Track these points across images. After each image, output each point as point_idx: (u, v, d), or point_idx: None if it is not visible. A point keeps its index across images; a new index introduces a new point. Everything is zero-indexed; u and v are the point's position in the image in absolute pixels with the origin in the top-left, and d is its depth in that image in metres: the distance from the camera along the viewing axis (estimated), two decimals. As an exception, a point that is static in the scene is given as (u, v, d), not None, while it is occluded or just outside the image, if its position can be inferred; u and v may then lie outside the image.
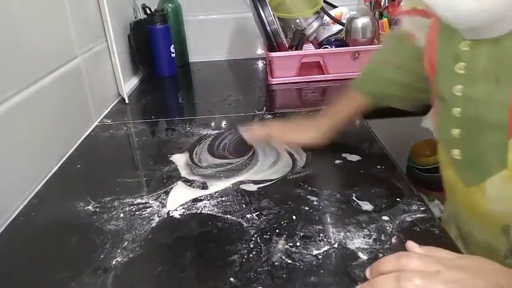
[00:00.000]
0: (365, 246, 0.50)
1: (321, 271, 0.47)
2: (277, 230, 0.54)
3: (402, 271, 0.38)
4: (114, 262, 0.50)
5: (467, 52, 0.49)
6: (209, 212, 0.59)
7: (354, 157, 0.71)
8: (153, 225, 0.57)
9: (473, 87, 0.49)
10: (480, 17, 0.43)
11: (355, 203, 0.59)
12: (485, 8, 0.41)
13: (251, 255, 0.50)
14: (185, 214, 0.59)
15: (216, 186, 0.65)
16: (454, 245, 0.51)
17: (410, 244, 0.44)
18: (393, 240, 0.51)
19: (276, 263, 0.48)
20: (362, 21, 1.13)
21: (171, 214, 0.59)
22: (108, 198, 0.63)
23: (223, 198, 0.62)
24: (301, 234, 0.53)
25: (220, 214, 0.58)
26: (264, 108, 0.97)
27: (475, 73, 0.49)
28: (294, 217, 0.56)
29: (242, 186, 0.65)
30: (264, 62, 1.36)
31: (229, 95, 1.08)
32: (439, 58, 0.54)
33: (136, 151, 0.81)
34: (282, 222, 0.55)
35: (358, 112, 0.75)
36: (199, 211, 0.59)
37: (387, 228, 0.53)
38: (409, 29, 0.64)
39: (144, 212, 0.60)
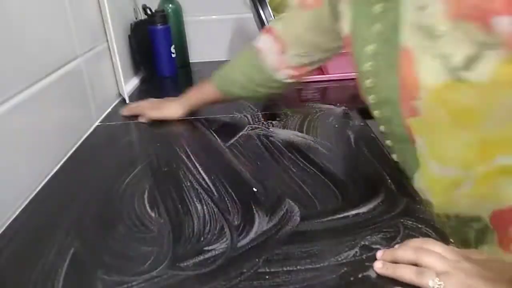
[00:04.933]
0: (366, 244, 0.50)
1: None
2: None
3: (426, 269, 0.42)
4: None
5: None
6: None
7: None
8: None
9: None
10: None
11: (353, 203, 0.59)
12: None
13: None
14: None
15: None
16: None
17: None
18: (393, 243, 0.51)
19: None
20: (362, 22, 1.13)
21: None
22: (109, 199, 0.63)
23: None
24: (299, 234, 0.53)
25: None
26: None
27: None
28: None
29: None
30: (264, 63, 1.36)
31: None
32: None
33: (137, 152, 0.81)
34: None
35: (212, 101, 0.90)
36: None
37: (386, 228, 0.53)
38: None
39: (144, 212, 0.60)
